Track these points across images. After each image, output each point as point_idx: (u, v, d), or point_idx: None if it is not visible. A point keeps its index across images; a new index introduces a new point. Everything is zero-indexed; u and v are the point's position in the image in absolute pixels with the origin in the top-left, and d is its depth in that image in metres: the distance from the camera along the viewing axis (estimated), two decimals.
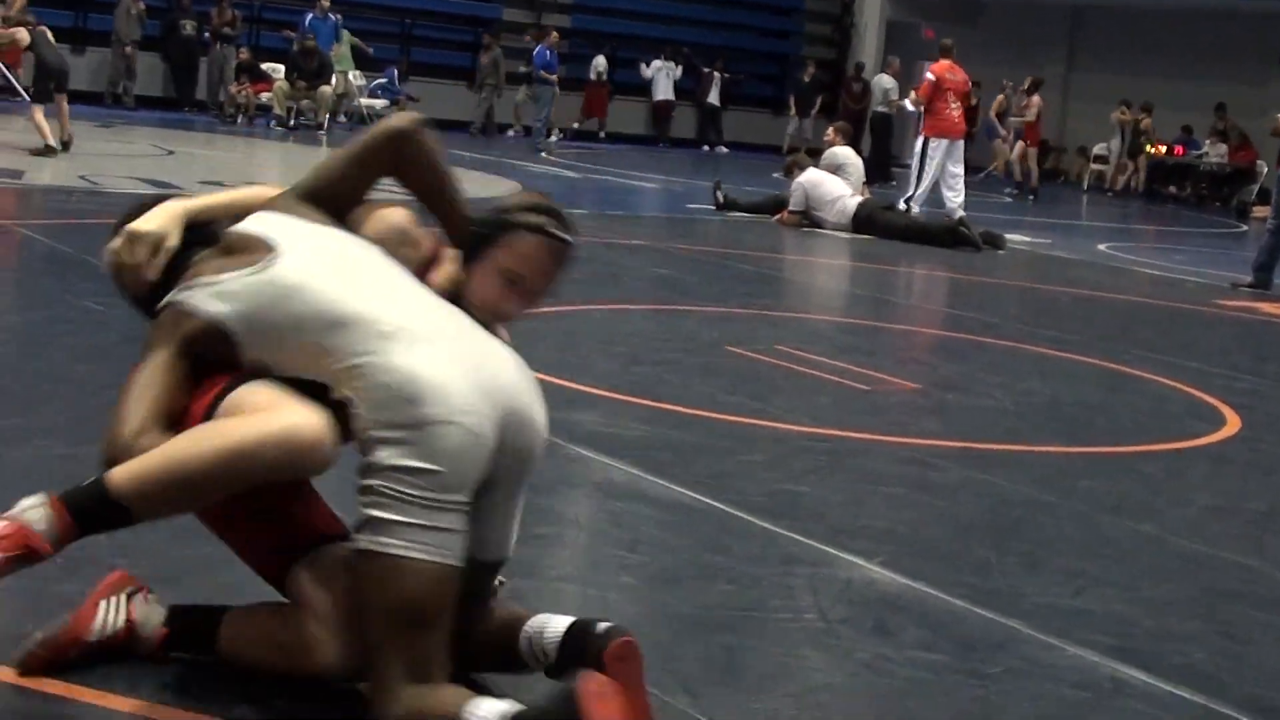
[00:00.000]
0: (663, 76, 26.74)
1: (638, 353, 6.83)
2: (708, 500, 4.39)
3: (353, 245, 2.85)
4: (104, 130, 16.48)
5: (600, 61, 26.13)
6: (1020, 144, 22.21)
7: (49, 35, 14.24)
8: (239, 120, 21.42)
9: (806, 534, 4.14)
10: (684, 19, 27.95)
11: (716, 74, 27.11)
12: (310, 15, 21.89)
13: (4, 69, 18.80)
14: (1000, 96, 23.23)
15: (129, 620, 2.82)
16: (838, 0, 30.09)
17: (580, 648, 2.66)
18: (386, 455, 2.53)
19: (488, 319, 2.87)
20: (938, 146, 15.06)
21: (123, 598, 2.84)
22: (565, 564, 3.85)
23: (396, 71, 23.45)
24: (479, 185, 15.32)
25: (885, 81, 22.18)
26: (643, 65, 26.74)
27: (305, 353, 2.66)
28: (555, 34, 22.97)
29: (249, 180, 13.81)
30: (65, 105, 13.71)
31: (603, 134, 26.24)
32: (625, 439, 5.04)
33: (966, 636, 3.50)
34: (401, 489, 2.51)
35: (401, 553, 2.51)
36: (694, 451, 5.00)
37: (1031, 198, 21.62)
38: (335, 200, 2.93)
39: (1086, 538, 4.45)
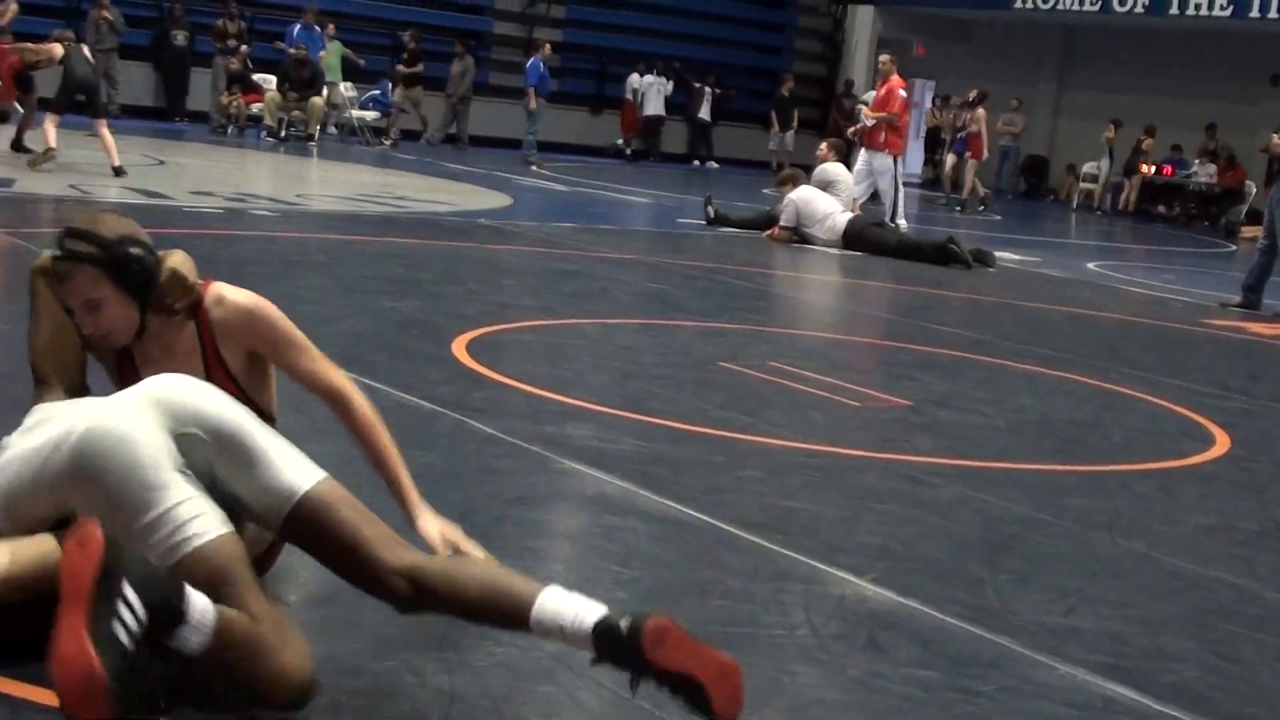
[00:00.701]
0: (653, 91, 26.79)
1: (630, 367, 6.83)
2: (701, 516, 4.39)
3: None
4: (95, 140, 16.45)
5: (635, 79, 26.32)
6: (952, 156, 22.69)
7: (85, 52, 14.24)
8: (229, 131, 21.42)
9: (800, 550, 4.14)
10: (676, 34, 28.02)
11: (708, 89, 27.17)
12: (297, 26, 21.92)
13: None
14: (949, 114, 23.69)
15: None
16: (829, 17, 30.19)
17: (618, 649, 2.73)
18: None
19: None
20: (898, 162, 15.48)
21: None
22: (558, 578, 3.79)
23: (390, 84, 23.49)
24: (469, 197, 15.35)
25: None
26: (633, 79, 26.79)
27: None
28: (548, 47, 22.97)
29: (238, 190, 13.81)
30: (104, 130, 13.64)
31: (629, 150, 26.51)
32: (618, 454, 5.04)
33: (959, 654, 3.51)
34: None
35: None
36: (687, 466, 5.00)
37: (959, 209, 21.77)
38: (56, 357, 3.31)
39: (1079, 555, 4.46)
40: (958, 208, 22.14)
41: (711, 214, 14.81)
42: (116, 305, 3.17)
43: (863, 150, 15.92)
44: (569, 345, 7.34)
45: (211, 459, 2.92)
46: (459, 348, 6.66)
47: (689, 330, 8.15)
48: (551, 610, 2.79)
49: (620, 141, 26.80)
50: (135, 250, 3.18)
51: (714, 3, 28.63)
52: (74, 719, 2.51)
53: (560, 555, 4.06)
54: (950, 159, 23.20)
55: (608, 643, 2.73)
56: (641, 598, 3.68)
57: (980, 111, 22.47)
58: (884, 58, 16.49)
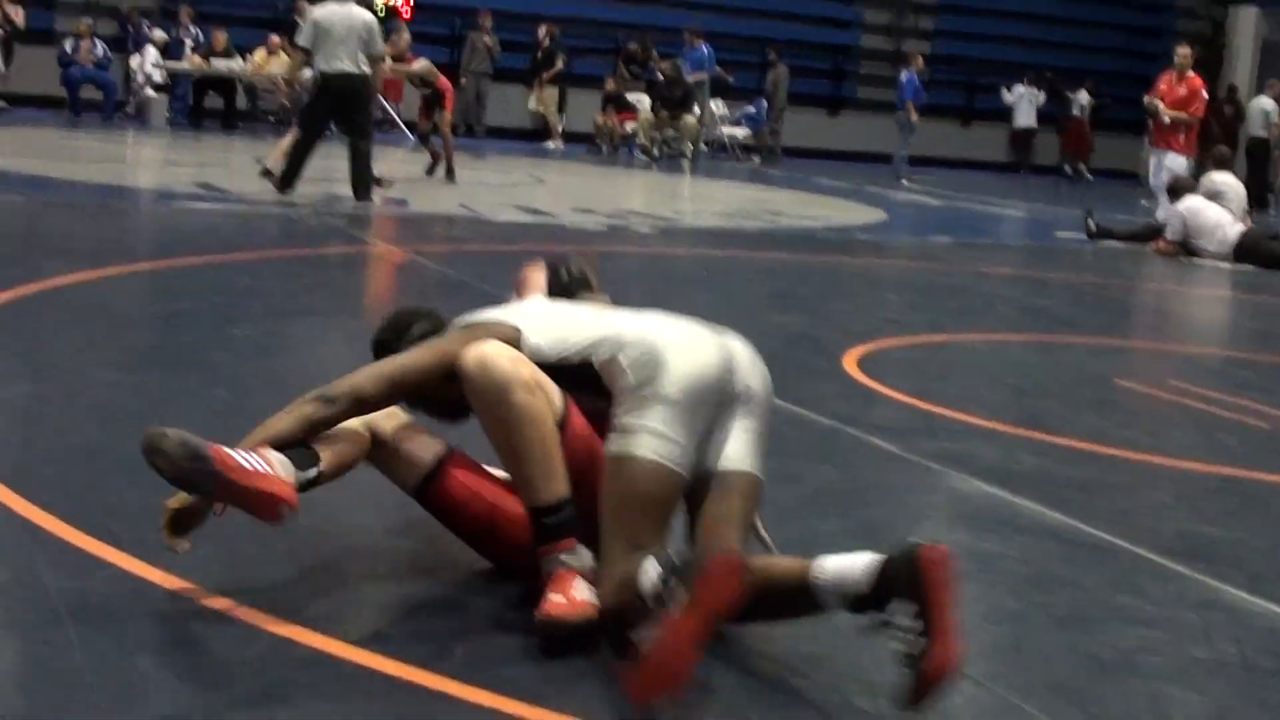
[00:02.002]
0: (1024, 102, 26.22)
1: (1024, 384, 6.68)
2: (1114, 539, 4.24)
3: (551, 304, 3.64)
4: (477, 160, 17.13)
5: (1083, 96, 25.97)
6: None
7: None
8: (604, 149, 21.96)
9: (1223, 579, 3.95)
10: (1047, 42, 27.37)
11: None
12: (687, 49, 22.22)
13: (384, 102, 19.78)
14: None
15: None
16: (1208, 20, 28.96)
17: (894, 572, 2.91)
18: (632, 385, 3.19)
19: None
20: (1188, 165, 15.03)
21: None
22: (971, 597, 3.76)
23: (766, 104, 23.60)
24: (843, 212, 15.32)
25: (1265, 104, 21.22)
26: (1004, 90, 26.29)
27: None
28: (920, 59, 22.73)
29: (617, 207, 14.13)
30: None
31: (1089, 175, 26.18)
32: (1021, 473, 4.92)
33: None
34: (640, 405, 3.16)
35: (635, 452, 3.11)
36: (1094, 488, 4.85)
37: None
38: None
39: None
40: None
41: (1093, 227, 14.38)
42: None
43: (1153, 151, 15.36)
44: (960, 361, 7.23)
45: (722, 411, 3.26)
46: (849, 363, 6.64)
47: (1081, 347, 7.92)
48: None
49: (1068, 166, 26.45)
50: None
51: (1088, 9, 27.84)
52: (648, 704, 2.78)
53: (972, 574, 3.98)
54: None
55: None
56: (1059, 621, 3.58)
57: None
58: (1183, 50, 15.69)
